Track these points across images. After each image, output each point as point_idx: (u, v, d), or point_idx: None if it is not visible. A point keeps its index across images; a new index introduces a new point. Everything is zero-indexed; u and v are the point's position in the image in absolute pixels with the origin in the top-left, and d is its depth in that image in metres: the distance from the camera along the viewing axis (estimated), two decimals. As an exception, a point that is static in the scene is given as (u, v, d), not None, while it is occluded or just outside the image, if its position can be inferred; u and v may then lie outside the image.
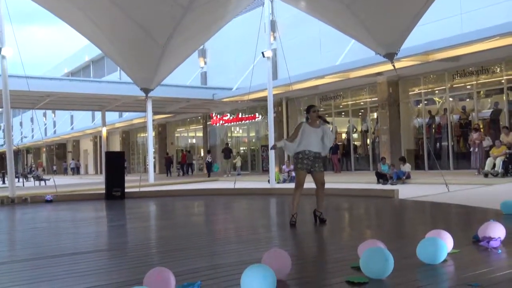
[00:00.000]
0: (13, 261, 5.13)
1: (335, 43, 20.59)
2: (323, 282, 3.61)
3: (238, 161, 26.34)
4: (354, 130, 23.24)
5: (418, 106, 20.07)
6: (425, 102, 19.65)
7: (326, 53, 22.14)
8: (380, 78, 19.43)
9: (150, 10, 10.37)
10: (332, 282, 3.60)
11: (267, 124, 16.49)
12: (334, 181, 16.89)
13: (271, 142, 15.43)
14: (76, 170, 47.03)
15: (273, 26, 22.52)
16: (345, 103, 22.97)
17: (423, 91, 19.50)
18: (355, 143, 23.18)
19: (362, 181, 16.68)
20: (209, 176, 25.02)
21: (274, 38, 23.29)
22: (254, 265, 3.29)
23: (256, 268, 3.22)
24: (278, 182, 17.82)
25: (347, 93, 22.53)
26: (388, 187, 13.96)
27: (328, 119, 24.10)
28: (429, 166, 18.93)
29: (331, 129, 6.98)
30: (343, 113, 23.75)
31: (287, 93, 22.29)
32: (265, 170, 23.98)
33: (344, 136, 23.72)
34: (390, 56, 10.44)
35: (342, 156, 22.78)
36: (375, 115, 21.61)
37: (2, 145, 44.47)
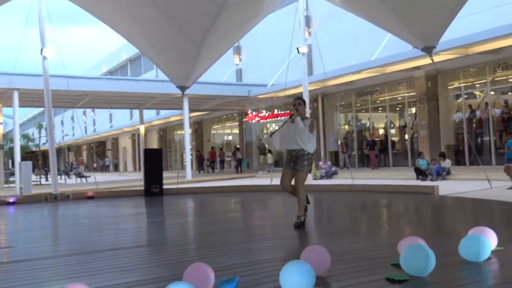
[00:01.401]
0: (57, 256, 5.28)
1: (371, 37, 20.30)
2: (362, 279, 3.57)
3: (269, 158, 26.41)
4: (392, 125, 22.88)
5: (458, 100, 19.59)
6: (465, 96, 19.17)
7: (362, 48, 21.85)
8: (418, 72, 19.04)
9: (185, 8, 10.46)
10: (371, 279, 3.56)
11: (303, 120, 16.40)
12: (372, 177, 16.70)
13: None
14: (109, 168, 48.23)
15: (308, 21, 22.37)
16: (382, 98, 22.63)
17: (463, 85, 19.02)
18: (393, 138, 22.81)
19: (401, 177, 16.41)
20: (240, 172, 25.60)
21: (309, 33, 23.14)
22: (293, 261, 3.28)
23: (295, 264, 3.21)
24: (315, 179, 17.73)
25: (384, 88, 22.19)
26: (427, 183, 13.69)
27: (365, 114, 23.94)
28: (470, 162, 18.47)
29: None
30: (380, 109, 23.41)
31: (322, 88, 22.12)
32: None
33: (381, 131, 23.39)
34: (429, 50, 10.22)
35: (380, 152, 22.47)
36: (413, 110, 21.21)
37: (44, 143, 45.75)
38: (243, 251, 5.01)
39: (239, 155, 27.92)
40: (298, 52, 15.10)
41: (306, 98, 14.81)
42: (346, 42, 22.86)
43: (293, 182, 6.25)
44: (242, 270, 3.94)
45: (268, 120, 28.79)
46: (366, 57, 20.09)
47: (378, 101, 23.05)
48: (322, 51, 15.43)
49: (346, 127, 25.06)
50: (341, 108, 25.00)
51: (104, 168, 48.49)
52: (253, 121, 29.57)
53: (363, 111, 24.07)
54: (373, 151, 21.59)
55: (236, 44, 28.50)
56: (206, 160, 32.32)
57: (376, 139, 22.23)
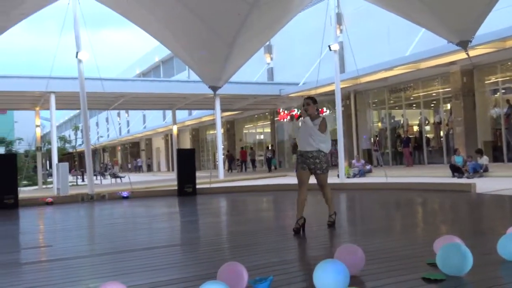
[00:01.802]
0: (93, 255, 5.38)
1: (403, 33, 19.98)
2: (397, 278, 3.51)
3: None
4: (426, 122, 22.46)
5: (495, 95, 19.09)
6: (503, 91, 18.65)
7: (394, 44, 21.53)
8: (453, 67, 18.63)
9: (216, 8, 10.52)
10: (407, 278, 3.50)
11: (335, 118, 16.29)
12: (406, 175, 16.45)
13: (340, 136, 15.25)
14: (141, 168, 48.96)
15: (339, 18, 22.17)
16: (416, 95, 22.23)
17: (500, 79, 18.51)
18: (428, 135, 22.39)
19: (436, 175, 16.10)
20: (269, 171, 25.77)
21: (341, 31, 22.94)
22: (327, 260, 3.25)
23: (329, 263, 3.18)
24: (348, 177, 17.57)
25: (418, 84, 21.80)
26: (464, 180, 13.39)
27: (398, 111, 23.59)
28: (509, 158, 17.97)
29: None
30: (414, 105, 23.02)
31: (355, 86, 21.90)
32: (334, 165, 23.72)
33: (415, 128, 22.99)
34: (464, 44, 9.99)
35: (414, 149, 22.09)
36: (448, 106, 20.78)
37: (80, 144, 46.71)
38: (276, 250, 4.99)
39: (269, 154, 28.24)
40: (330, 50, 14.97)
41: (338, 95, 14.68)
42: (378, 38, 22.57)
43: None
44: (275, 269, 3.93)
45: (299, 118, 28.66)
46: (399, 53, 19.78)
47: (412, 98, 22.68)
48: (354, 48, 15.26)
49: (379, 124, 24.75)
50: (374, 105, 24.70)
51: (137, 169, 49.23)
52: (285, 120, 29.50)
53: (397, 108, 23.72)
54: (407, 149, 21.26)
55: (267, 43, 28.48)
56: (236, 160, 32.59)
57: (410, 136, 21.88)
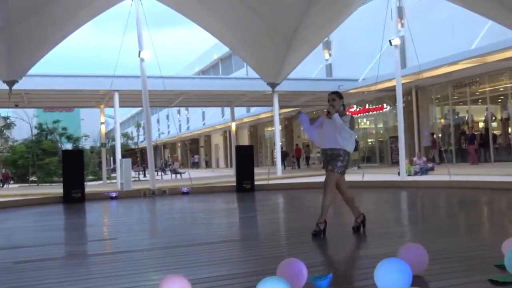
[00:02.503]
0: (155, 248, 5.52)
1: (469, 26, 19.23)
2: (462, 280, 3.39)
3: (354, 155, 25.97)
4: (493, 118, 21.54)
5: None
6: None
7: (459, 37, 20.76)
8: (523, 60, 17.76)
9: (275, 5, 10.52)
10: (473, 279, 3.37)
11: (396, 115, 15.91)
12: (471, 173, 15.85)
13: (401, 133, 14.89)
14: (198, 164, 49.76)
15: (400, 12, 21.62)
16: (482, 90, 21.35)
17: None
18: (495, 132, 21.47)
19: (503, 173, 15.41)
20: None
21: (402, 25, 22.38)
22: (389, 259, 3.18)
23: (391, 262, 3.11)
24: (409, 175, 17.13)
25: (484, 79, 20.92)
26: (534, 179, 12.74)
27: (463, 107, 22.75)
28: None
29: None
30: (479, 101, 22.12)
31: (417, 81, 21.32)
32: (395, 162, 23.22)
33: (481, 125, 22.10)
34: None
35: (479, 146, 21.24)
36: (517, 101, 19.84)
37: (142, 141, 48.11)
38: (335, 247, 4.95)
39: None
40: (391, 45, 14.64)
41: (399, 91, 14.32)
42: (442, 31, 21.83)
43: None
44: (335, 267, 3.89)
45: (359, 115, 28.27)
46: (464, 47, 19.06)
47: (477, 93, 21.80)
48: (416, 43, 14.84)
49: (442, 121, 23.96)
50: (437, 101, 23.94)
51: (194, 165, 50.03)
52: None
53: (461, 103, 22.89)
54: (472, 146, 20.46)
55: (326, 39, 28.21)
56: (291, 156, 32.57)
57: (475, 133, 21.04)
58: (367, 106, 26.87)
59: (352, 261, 4.16)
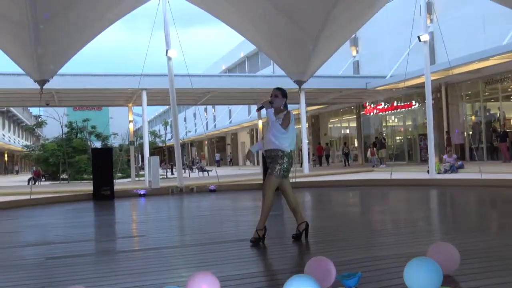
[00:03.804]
0: (184, 245, 5.57)
1: (501, 20, 18.81)
2: (495, 280, 3.32)
3: (382, 153, 25.71)
4: (526, 115, 21.04)
5: None
6: None
7: (490, 33, 20.32)
8: (557, 55, 17.29)
9: (301, 2, 10.47)
10: (506, 280, 3.30)
11: (425, 112, 15.67)
12: (503, 172, 15.51)
13: (430, 131, 14.64)
14: (219, 163, 49.82)
15: (429, 7, 21.30)
16: (514, 86, 20.89)
17: None
18: (527, 129, 20.98)
19: (536, 171, 15.03)
20: (347, 166, 27.61)
21: (431, 20, 22.03)
22: (419, 257, 3.14)
23: (421, 261, 3.07)
24: (438, 173, 16.85)
25: (516, 75, 20.46)
26: None
27: (494, 104, 22.26)
28: None
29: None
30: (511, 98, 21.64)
31: (446, 78, 20.96)
32: (423, 160, 22.88)
33: (513, 122, 21.63)
34: None
35: None
36: (550, 97, 19.34)
37: (170, 139, 48.54)
38: (364, 246, 4.90)
39: (345, 150, 29.57)
40: (419, 41, 14.40)
41: (428, 88, 14.07)
42: (472, 27, 21.41)
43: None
44: (363, 265, 3.85)
45: (387, 112, 27.95)
46: (496, 42, 18.65)
47: (509, 89, 21.32)
48: (446, 38, 14.59)
49: (473, 118, 23.51)
50: (467, 98, 23.50)
51: (215, 163, 50.06)
52: (371, 113, 28.87)
53: (492, 100, 22.42)
54: (504, 143, 20.01)
55: (353, 35, 27.96)
56: (312, 155, 32.65)
57: (507, 130, 20.57)
58: (395, 103, 26.54)
59: (381, 260, 4.11)
